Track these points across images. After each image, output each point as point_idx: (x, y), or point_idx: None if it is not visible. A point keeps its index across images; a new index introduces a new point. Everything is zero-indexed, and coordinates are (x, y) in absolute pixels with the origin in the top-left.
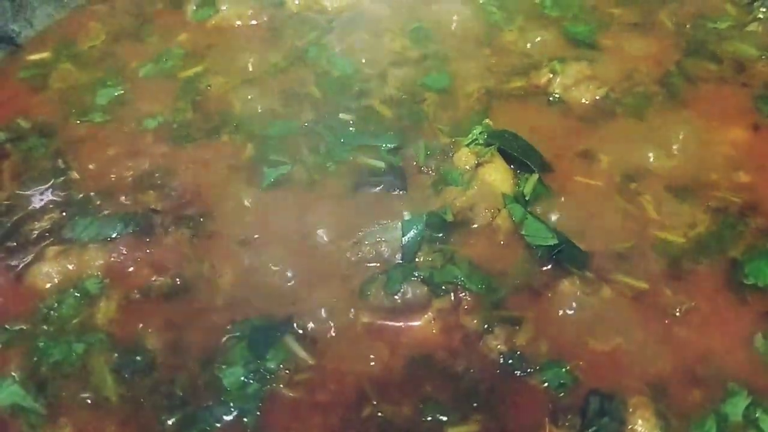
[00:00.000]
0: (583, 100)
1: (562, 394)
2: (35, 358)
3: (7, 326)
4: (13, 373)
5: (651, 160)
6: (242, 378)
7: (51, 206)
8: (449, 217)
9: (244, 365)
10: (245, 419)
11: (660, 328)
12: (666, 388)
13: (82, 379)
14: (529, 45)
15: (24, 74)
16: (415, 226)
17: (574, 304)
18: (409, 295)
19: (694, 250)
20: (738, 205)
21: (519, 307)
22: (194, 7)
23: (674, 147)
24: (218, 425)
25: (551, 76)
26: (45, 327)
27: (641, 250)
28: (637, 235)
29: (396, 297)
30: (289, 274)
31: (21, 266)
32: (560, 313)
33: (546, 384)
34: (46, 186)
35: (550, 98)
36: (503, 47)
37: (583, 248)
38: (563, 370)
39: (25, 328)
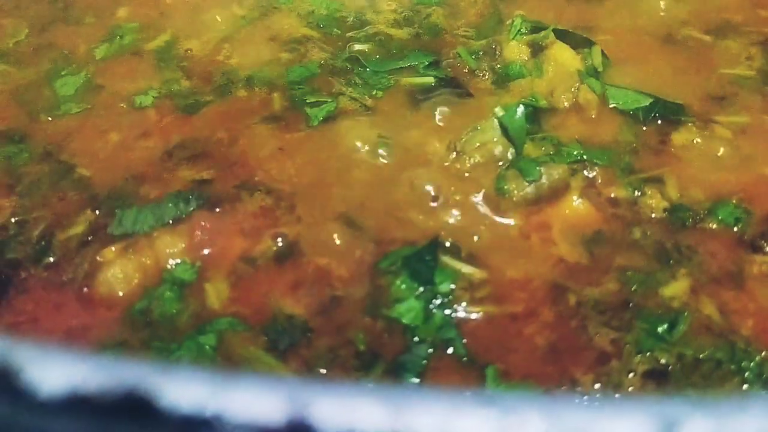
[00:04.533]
0: None
1: (742, 227)
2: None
3: (106, 343)
4: None
5: (672, 12)
6: (421, 310)
7: (76, 209)
8: (543, 103)
9: (417, 297)
10: (451, 349)
11: None
12: None
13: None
14: None
15: None
16: (514, 117)
17: (698, 148)
18: (554, 176)
19: (764, 78)
20: None
21: (649, 167)
22: None
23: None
24: (424, 362)
25: None
26: (151, 332)
27: (721, 88)
28: (708, 76)
29: (543, 180)
30: (403, 200)
31: (81, 278)
32: (690, 160)
33: (723, 223)
34: (56, 190)
35: None
36: None
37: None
38: (731, 206)
39: (128, 340)
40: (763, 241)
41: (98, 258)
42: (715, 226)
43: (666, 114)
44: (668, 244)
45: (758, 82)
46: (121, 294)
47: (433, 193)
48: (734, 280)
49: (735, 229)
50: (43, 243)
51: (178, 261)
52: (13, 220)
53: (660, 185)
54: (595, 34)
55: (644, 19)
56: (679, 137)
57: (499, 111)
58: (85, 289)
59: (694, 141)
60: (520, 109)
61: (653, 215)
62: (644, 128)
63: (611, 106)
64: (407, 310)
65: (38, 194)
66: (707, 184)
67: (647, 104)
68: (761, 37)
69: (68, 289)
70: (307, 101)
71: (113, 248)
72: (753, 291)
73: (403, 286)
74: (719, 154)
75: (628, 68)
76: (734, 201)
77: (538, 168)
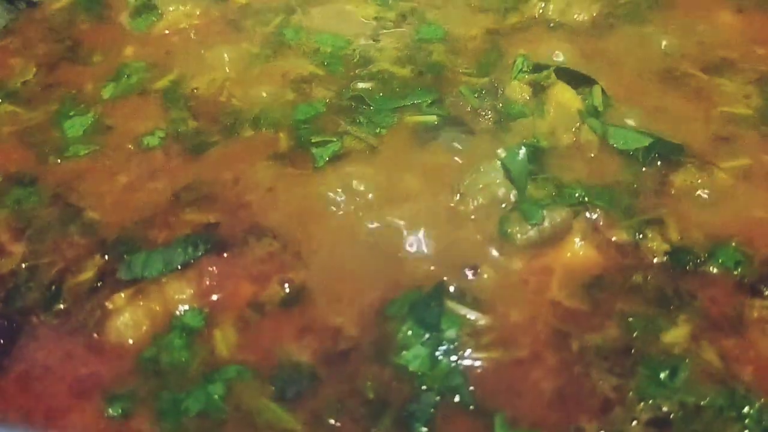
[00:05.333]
0: (582, 19)
1: (742, 270)
2: (171, 417)
3: (115, 392)
4: None
5: (670, 50)
6: (428, 357)
7: (85, 253)
8: (544, 143)
9: (423, 343)
10: (458, 397)
11: None
12: None
13: (246, 423)
14: None
15: None
16: (516, 159)
17: (698, 190)
18: (557, 219)
19: (762, 116)
20: None
21: (650, 208)
22: (130, 18)
23: (682, 38)
24: (432, 410)
25: (543, 4)
26: (161, 380)
27: (722, 128)
28: (706, 115)
29: (546, 223)
30: (408, 244)
31: (91, 325)
32: (691, 202)
33: (723, 266)
34: (65, 235)
35: (551, 24)
36: None
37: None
38: (731, 249)
39: (137, 389)
40: (762, 286)
41: (108, 305)
42: (715, 269)
43: (665, 154)
44: (669, 289)
45: (756, 120)
46: (131, 341)
47: (436, 237)
48: (734, 325)
49: (735, 272)
50: (53, 289)
51: (187, 307)
52: (23, 265)
53: (661, 227)
54: (597, 72)
55: (646, 56)
56: (678, 178)
57: (501, 152)
58: (95, 336)
59: (694, 182)
60: (522, 150)
61: (655, 259)
62: (644, 169)
63: (612, 145)
64: (414, 357)
65: (48, 239)
66: (707, 226)
67: (647, 144)
68: (757, 75)
69: (78, 337)
70: (313, 141)
71: (123, 294)
72: (753, 337)
73: (410, 333)
74: (719, 195)
75: (630, 107)
76: (734, 244)
77: (541, 211)
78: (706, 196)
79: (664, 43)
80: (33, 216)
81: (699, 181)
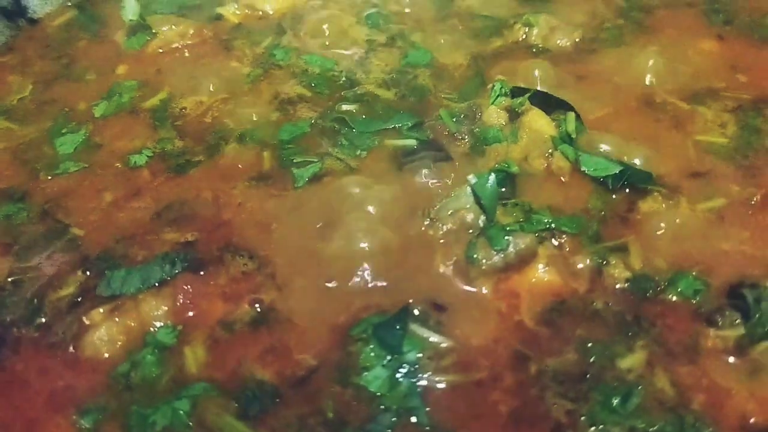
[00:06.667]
0: (564, 44)
1: (700, 299)
2: (138, 431)
3: (88, 406)
4: None
5: (650, 78)
6: (388, 378)
7: (68, 269)
8: (515, 169)
9: (384, 365)
10: (415, 418)
11: (748, 219)
12: None
13: None
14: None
15: None
16: (485, 185)
17: (664, 219)
18: (521, 246)
19: (737, 145)
20: (750, 101)
21: (616, 235)
22: (125, 36)
23: (663, 64)
24: (389, 431)
25: (527, 29)
26: (131, 395)
27: (694, 156)
28: (681, 143)
29: (510, 249)
30: (378, 267)
31: (69, 339)
32: (656, 230)
33: (682, 295)
34: (50, 251)
35: (534, 50)
36: (460, 15)
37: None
38: (690, 277)
39: (108, 403)
40: (718, 315)
41: (85, 320)
42: (674, 297)
43: (635, 182)
44: (628, 316)
45: (731, 150)
46: (106, 356)
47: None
48: (689, 353)
49: (693, 301)
50: (35, 303)
51: (161, 324)
52: (9, 279)
53: (624, 254)
54: (575, 97)
55: (626, 83)
56: (645, 206)
57: (472, 178)
58: (72, 349)
59: (660, 210)
60: (492, 177)
61: (616, 286)
62: (613, 196)
63: (583, 171)
64: (374, 378)
65: (34, 254)
66: (671, 254)
67: (617, 172)
68: (736, 104)
69: (56, 351)
70: (295, 161)
71: (101, 310)
72: (706, 365)
73: (372, 354)
74: (684, 224)
75: (605, 133)
76: (694, 273)
77: (506, 238)
78: (671, 224)
79: (644, 69)
80: (21, 231)
81: (665, 209)
